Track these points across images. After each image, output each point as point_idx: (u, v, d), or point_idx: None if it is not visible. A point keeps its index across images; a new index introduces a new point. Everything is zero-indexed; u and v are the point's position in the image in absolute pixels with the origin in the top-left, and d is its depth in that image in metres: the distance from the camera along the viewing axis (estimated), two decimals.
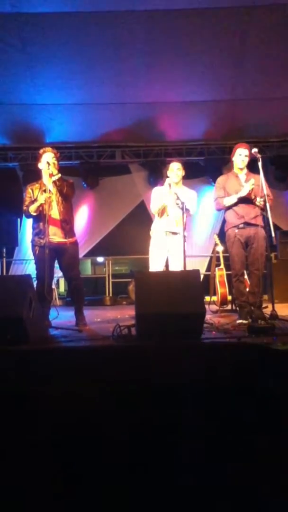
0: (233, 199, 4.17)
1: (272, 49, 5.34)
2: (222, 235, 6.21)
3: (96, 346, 3.23)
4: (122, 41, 5.17)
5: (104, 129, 7.17)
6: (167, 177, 4.43)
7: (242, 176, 4.27)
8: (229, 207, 4.24)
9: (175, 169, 4.42)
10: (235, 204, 4.18)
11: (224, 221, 4.54)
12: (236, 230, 4.18)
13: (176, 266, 4.32)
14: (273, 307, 3.91)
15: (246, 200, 4.12)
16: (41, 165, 4.18)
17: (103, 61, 5.47)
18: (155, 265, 4.40)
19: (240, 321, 4.13)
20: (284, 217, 7.46)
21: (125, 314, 5.33)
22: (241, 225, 4.15)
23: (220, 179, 4.43)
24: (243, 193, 4.08)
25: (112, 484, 1.30)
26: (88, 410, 1.86)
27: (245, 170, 4.29)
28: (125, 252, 8.26)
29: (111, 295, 7.92)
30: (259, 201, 4.03)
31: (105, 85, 5.91)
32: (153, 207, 4.43)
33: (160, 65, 5.60)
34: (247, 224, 4.12)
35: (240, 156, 4.25)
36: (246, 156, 4.24)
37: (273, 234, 4.00)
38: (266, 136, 7.29)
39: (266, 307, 4.32)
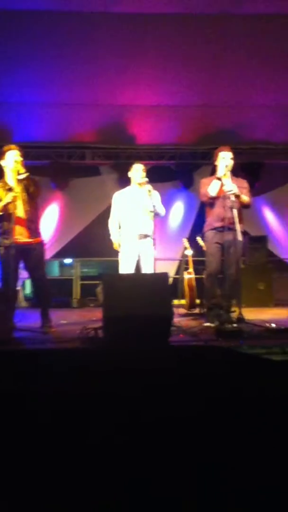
0: (214, 184, 4.14)
1: (245, 58, 5.43)
2: (191, 239, 6.27)
3: (62, 349, 3.17)
4: (96, 42, 5.12)
5: (75, 129, 7.10)
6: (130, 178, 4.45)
7: (226, 180, 4.16)
8: (212, 205, 4.22)
9: (140, 170, 4.43)
10: (216, 206, 4.18)
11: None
12: (215, 232, 4.20)
13: (148, 269, 4.30)
14: (240, 311, 3.94)
15: (227, 203, 4.07)
16: (4, 162, 4.07)
17: (76, 61, 5.41)
18: (126, 270, 4.37)
19: (207, 324, 4.14)
20: (253, 223, 7.57)
21: (93, 316, 5.26)
22: (220, 229, 4.15)
23: (205, 179, 4.44)
24: (222, 175, 4.09)
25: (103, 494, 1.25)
26: (53, 412, 1.80)
27: (229, 174, 4.18)
28: (94, 254, 8.16)
29: (79, 297, 7.82)
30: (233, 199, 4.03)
31: (77, 86, 5.85)
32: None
33: (134, 68, 5.59)
34: (226, 228, 4.08)
35: (224, 159, 4.18)
36: (230, 159, 4.19)
37: (240, 238, 4.05)
38: (236, 142, 7.38)
39: (234, 311, 4.35)
